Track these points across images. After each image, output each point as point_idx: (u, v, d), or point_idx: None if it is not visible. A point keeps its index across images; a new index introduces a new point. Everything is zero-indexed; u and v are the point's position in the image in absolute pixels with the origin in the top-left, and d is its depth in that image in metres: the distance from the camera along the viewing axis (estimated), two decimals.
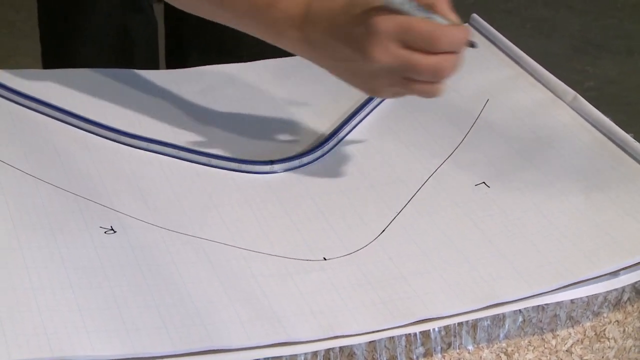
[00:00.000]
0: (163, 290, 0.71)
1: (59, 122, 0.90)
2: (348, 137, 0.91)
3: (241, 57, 1.01)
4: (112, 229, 0.77)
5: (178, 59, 1.18)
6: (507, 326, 0.73)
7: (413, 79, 0.76)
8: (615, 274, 0.74)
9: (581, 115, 0.92)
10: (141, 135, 0.88)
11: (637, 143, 0.87)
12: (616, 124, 0.90)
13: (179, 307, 0.69)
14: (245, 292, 0.72)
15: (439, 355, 0.72)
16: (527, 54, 1.00)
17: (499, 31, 1.05)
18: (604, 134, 0.89)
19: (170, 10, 1.19)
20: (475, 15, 1.07)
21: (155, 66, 1.18)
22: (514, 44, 1.03)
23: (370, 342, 0.70)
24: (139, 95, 0.95)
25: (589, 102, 0.94)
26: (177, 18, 1.15)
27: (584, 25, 2.68)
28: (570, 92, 0.95)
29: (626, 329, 0.78)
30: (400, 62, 0.75)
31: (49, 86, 0.94)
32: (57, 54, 1.16)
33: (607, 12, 2.80)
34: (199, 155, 0.87)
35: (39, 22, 1.22)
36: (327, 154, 0.88)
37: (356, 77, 0.79)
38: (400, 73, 0.76)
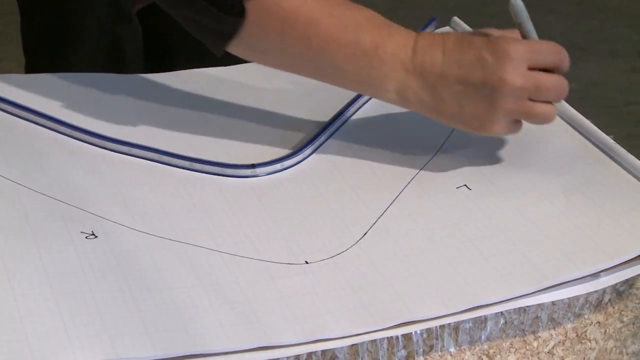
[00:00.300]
0: (145, 295, 0.71)
1: (40, 127, 0.90)
2: (330, 141, 0.91)
3: (230, 60, 1.01)
4: (93, 234, 0.77)
5: (164, 65, 1.17)
6: (488, 328, 0.74)
7: (535, 101, 0.81)
8: (595, 275, 0.75)
9: (562, 118, 0.93)
10: (122, 140, 0.88)
11: (618, 145, 0.87)
12: (599, 126, 0.91)
13: (161, 312, 0.69)
14: (227, 296, 0.72)
15: (421, 358, 0.72)
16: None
17: None
18: (585, 137, 0.90)
19: (148, 16, 1.17)
20: (456, 18, 1.07)
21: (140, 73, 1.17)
22: None
23: (352, 345, 0.70)
24: (120, 100, 0.95)
25: (571, 104, 0.94)
26: (163, 23, 1.14)
27: (566, 28, 2.70)
28: None
29: (607, 330, 0.78)
30: (532, 82, 0.80)
31: (31, 91, 0.94)
32: (44, 66, 1.13)
33: (589, 14, 2.81)
34: (181, 159, 0.87)
35: (23, 35, 1.19)
36: (309, 158, 0.88)
37: (475, 107, 0.81)
38: (527, 95, 0.81)
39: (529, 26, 0.84)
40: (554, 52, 0.82)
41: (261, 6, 0.81)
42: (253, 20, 0.81)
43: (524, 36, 0.85)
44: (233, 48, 0.84)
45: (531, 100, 0.81)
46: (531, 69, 0.81)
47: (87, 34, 1.09)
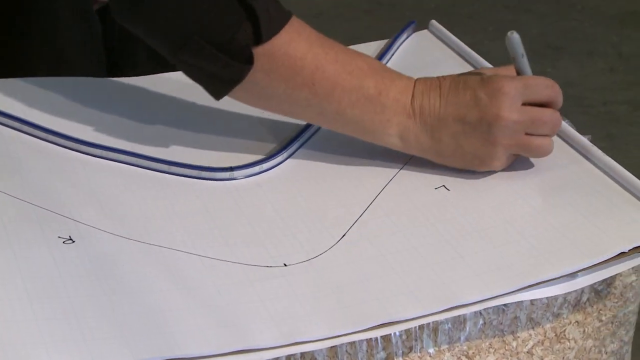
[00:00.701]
0: (122, 300, 0.70)
1: (16, 132, 0.90)
2: (308, 143, 0.91)
3: None
4: (70, 239, 0.76)
5: (126, 64, 1.16)
6: (467, 329, 0.74)
7: (533, 135, 0.83)
8: (572, 275, 0.75)
9: None
10: (99, 144, 0.88)
11: (595, 147, 0.87)
12: (577, 126, 0.91)
13: (138, 316, 0.69)
14: (205, 300, 0.71)
15: (401, 359, 0.72)
16: (489, 58, 1.01)
17: (460, 35, 1.06)
18: (561, 137, 0.90)
19: (106, 14, 1.16)
20: (434, 22, 1.08)
21: (103, 74, 1.16)
22: (475, 47, 1.03)
23: (331, 347, 0.70)
24: (96, 104, 0.95)
25: None
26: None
27: (544, 28, 2.71)
28: None
29: (586, 329, 0.78)
30: (527, 116, 0.82)
31: (5, 95, 0.94)
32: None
33: (566, 14, 2.82)
34: (158, 162, 0.86)
35: None
36: (287, 160, 0.88)
37: (473, 145, 0.83)
38: (524, 129, 0.82)
39: (524, 61, 0.85)
40: (547, 87, 0.84)
41: (268, 53, 0.82)
42: (260, 66, 0.82)
43: (519, 71, 0.86)
44: (235, 93, 0.85)
45: (528, 134, 0.83)
46: (526, 104, 0.83)
47: (47, 34, 1.08)
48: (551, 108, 0.84)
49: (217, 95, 0.85)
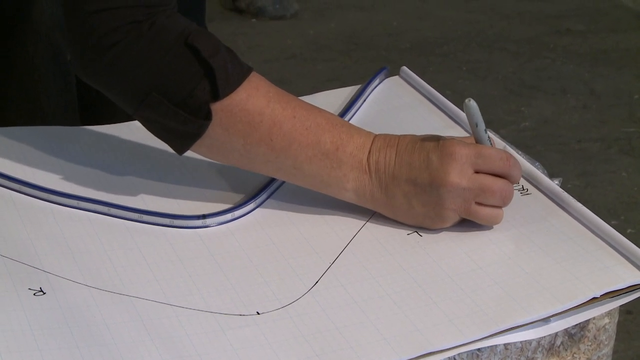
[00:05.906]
0: (94, 352, 0.70)
1: None
2: (280, 190, 0.91)
3: None
4: (41, 291, 0.76)
5: (100, 114, 1.16)
6: None
7: (482, 204, 0.82)
8: (546, 320, 0.75)
9: None
10: (70, 193, 0.88)
11: (565, 193, 0.87)
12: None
13: None
14: (178, 351, 0.71)
15: None
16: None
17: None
18: (532, 183, 0.90)
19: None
20: (405, 68, 1.08)
21: (77, 123, 1.15)
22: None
23: None
24: (66, 153, 0.94)
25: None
26: None
27: (517, 67, 2.73)
28: (499, 142, 0.96)
29: None
30: (476, 185, 0.82)
31: None
32: None
33: (539, 53, 2.85)
34: (130, 211, 0.86)
35: None
36: (260, 207, 0.88)
37: (424, 207, 0.83)
38: (473, 197, 0.82)
39: (479, 130, 0.84)
40: (501, 159, 0.83)
41: (226, 108, 0.82)
42: (218, 122, 0.83)
43: (476, 139, 0.85)
44: (196, 148, 0.85)
45: (478, 203, 0.83)
46: (478, 172, 0.82)
47: (23, 83, 1.08)
48: (504, 179, 0.83)
49: (179, 151, 0.86)
